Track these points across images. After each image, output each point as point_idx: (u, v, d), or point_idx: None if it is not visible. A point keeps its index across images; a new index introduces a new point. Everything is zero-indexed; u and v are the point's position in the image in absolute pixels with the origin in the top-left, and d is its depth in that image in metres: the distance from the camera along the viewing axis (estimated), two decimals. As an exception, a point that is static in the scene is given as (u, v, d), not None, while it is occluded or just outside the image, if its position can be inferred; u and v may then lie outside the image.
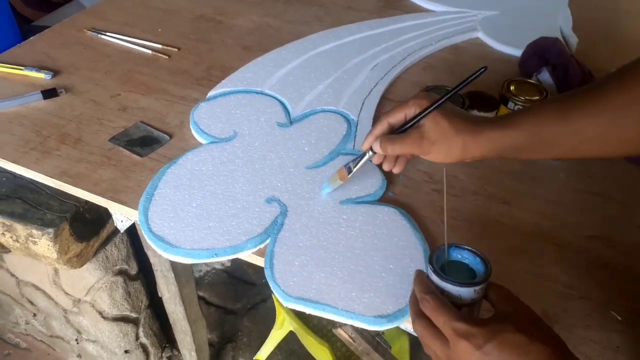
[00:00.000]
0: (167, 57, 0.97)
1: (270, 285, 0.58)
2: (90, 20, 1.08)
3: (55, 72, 0.91)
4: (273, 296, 1.26)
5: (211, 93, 0.87)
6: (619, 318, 0.57)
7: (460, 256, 0.50)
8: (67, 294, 1.16)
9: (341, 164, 0.71)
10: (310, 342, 1.06)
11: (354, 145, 0.77)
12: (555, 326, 0.55)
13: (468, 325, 0.42)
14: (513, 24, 1.12)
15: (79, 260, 0.96)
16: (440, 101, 0.56)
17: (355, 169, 0.64)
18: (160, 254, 0.62)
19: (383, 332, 1.03)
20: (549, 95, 0.79)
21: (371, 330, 1.01)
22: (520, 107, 0.77)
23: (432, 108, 0.56)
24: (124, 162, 0.74)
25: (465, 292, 0.46)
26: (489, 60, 1.02)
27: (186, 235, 0.62)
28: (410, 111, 0.58)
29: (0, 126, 0.79)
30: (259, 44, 1.03)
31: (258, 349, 1.40)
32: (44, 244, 0.88)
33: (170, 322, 1.18)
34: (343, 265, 0.60)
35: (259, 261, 0.61)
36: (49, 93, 0.84)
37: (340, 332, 1.00)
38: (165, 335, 1.42)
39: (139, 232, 0.86)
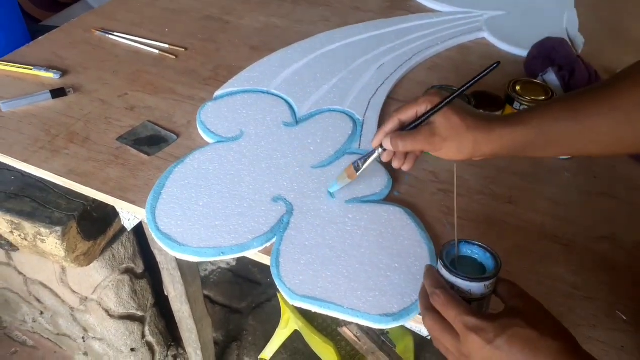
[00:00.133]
0: (174, 57, 0.98)
1: (277, 284, 0.58)
2: (98, 20, 1.09)
3: (64, 72, 0.92)
4: (278, 295, 1.26)
5: (218, 93, 0.87)
6: (625, 318, 0.57)
7: (470, 251, 0.50)
8: (74, 292, 1.17)
9: (347, 164, 0.72)
10: (315, 341, 1.06)
11: (359, 145, 0.77)
12: (560, 326, 0.56)
13: (479, 319, 0.42)
14: (519, 24, 1.12)
15: (86, 259, 0.97)
16: (452, 97, 0.55)
17: (364, 166, 0.64)
18: (167, 252, 0.62)
19: (388, 332, 1.03)
20: (554, 96, 0.79)
21: (376, 329, 1.02)
22: (526, 107, 0.77)
23: (443, 104, 0.55)
24: (132, 161, 0.74)
25: (475, 287, 0.46)
26: (494, 60, 1.01)
27: (193, 233, 0.62)
28: (421, 108, 0.58)
29: (10, 125, 0.80)
30: (265, 43, 1.03)
31: (263, 347, 1.41)
32: (51, 242, 0.88)
33: (176, 320, 1.19)
34: (349, 264, 0.60)
35: (265, 260, 0.62)
36: (58, 92, 0.85)
37: (345, 331, 1.01)
38: (171, 333, 1.42)
39: (145, 230, 0.87)
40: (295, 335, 1.27)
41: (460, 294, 0.46)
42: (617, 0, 1.30)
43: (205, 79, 0.92)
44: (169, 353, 1.43)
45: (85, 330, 1.29)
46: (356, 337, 0.98)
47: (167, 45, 1.00)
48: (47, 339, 1.45)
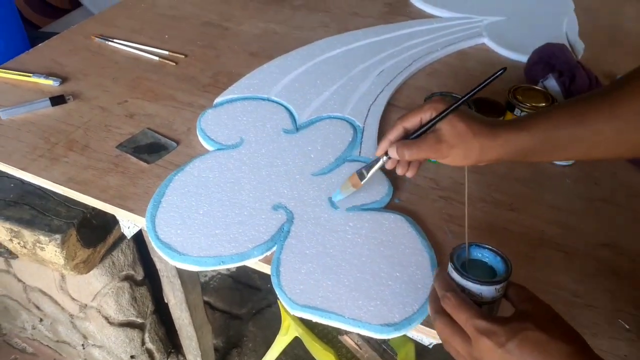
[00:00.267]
0: (174, 64, 0.98)
1: (277, 293, 0.58)
2: (98, 26, 1.09)
3: (64, 79, 0.92)
4: (279, 301, 1.26)
5: (218, 100, 0.87)
6: (627, 327, 0.56)
7: (480, 255, 0.50)
8: (73, 299, 1.16)
9: (347, 171, 0.71)
10: (316, 349, 1.06)
11: (360, 152, 0.77)
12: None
13: (490, 323, 0.42)
14: (519, 30, 1.12)
15: (85, 266, 0.97)
16: (458, 103, 0.55)
17: (368, 175, 0.63)
18: (166, 261, 0.62)
19: (388, 339, 1.03)
20: (555, 102, 0.79)
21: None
22: (527, 114, 0.77)
23: (448, 111, 0.55)
24: (131, 169, 0.74)
25: (486, 290, 0.46)
26: (494, 66, 1.02)
27: (193, 242, 0.62)
28: (425, 115, 0.57)
29: (9, 133, 0.80)
30: (265, 50, 1.03)
31: (263, 354, 1.40)
32: (51, 250, 0.88)
33: (176, 327, 1.18)
34: (349, 273, 0.60)
35: (266, 269, 0.62)
36: (57, 100, 0.85)
37: (346, 339, 1.00)
38: (170, 340, 1.42)
39: (145, 238, 0.87)
40: (296, 342, 1.27)
41: (470, 297, 0.46)
42: (617, 5, 1.30)
43: (204, 86, 0.92)
44: (168, 360, 1.43)
45: (85, 337, 1.29)
46: (357, 345, 0.98)
47: (166, 52, 1.00)
48: (47, 346, 1.45)
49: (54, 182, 0.72)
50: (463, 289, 0.47)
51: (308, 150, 0.77)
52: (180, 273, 1.00)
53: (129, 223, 0.77)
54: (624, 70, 0.53)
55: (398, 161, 0.62)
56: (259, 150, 0.76)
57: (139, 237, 1.10)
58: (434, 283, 0.49)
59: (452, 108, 0.55)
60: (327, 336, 1.10)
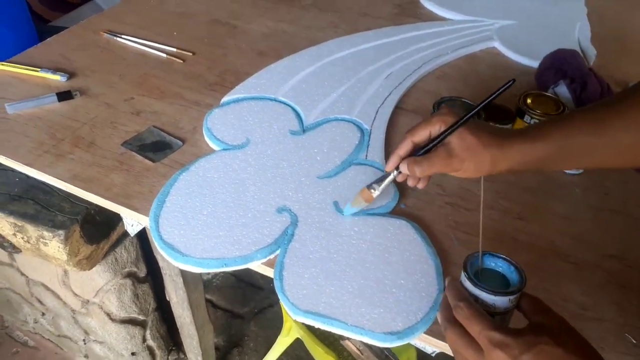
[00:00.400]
0: (181, 61, 0.97)
1: (280, 298, 0.57)
2: (107, 22, 1.09)
3: (71, 74, 0.91)
4: (281, 302, 1.25)
5: (225, 99, 0.87)
6: (634, 342, 0.55)
7: (494, 264, 0.49)
8: (76, 295, 1.16)
9: (354, 175, 0.71)
10: (318, 352, 1.05)
11: (366, 155, 0.76)
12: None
13: (504, 335, 0.41)
14: (530, 34, 1.11)
15: (88, 263, 0.97)
16: (467, 117, 0.54)
17: (379, 189, 0.62)
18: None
19: (391, 344, 1.02)
20: (566, 110, 0.78)
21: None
22: (537, 121, 0.76)
23: (458, 124, 0.54)
24: (136, 167, 0.73)
25: (500, 301, 0.45)
26: (504, 70, 1.01)
27: (196, 243, 0.61)
28: (434, 128, 0.56)
29: (15, 128, 0.79)
30: (273, 49, 1.03)
31: (264, 354, 1.39)
32: (54, 245, 0.88)
33: (178, 325, 1.18)
34: (353, 279, 0.59)
35: (269, 272, 0.61)
36: (64, 95, 0.85)
37: (348, 344, 1.00)
38: (172, 338, 1.41)
39: (148, 235, 0.86)
40: (297, 343, 1.26)
41: (483, 307, 0.45)
42: (629, 11, 1.29)
43: (211, 84, 0.92)
44: (169, 357, 1.43)
45: (86, 332, 1.29)
46: (359, 350, 0.97)
47: (174, 49, 1.00)
48: (48, 340, 1.45)
49: (58, 178, 0.71)
50: (476, 299, 0.46)
51: (314, 152, 0.76)
52: (183, 272, 0.99)
53: (132, 221, 0.77)
54: (636, 78, 0.52)
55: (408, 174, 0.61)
56: (264, 151, 0.75)
57: (142, 235, 1.09)
58: (446, 292, 0.48)
59: (461, 122, 0.54)
60: (329, 339, 1.09)
